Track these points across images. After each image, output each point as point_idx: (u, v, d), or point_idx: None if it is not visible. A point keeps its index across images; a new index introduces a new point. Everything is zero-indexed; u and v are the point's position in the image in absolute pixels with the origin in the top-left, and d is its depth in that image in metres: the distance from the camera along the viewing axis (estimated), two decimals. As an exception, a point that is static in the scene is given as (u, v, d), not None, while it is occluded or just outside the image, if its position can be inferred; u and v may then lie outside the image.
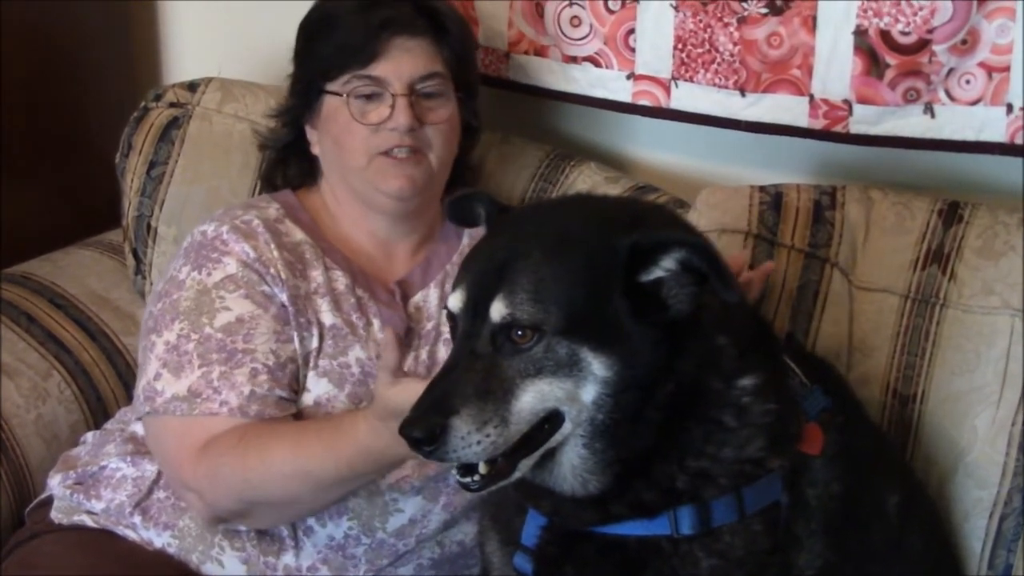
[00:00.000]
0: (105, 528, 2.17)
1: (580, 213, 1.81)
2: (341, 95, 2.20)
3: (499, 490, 1.85)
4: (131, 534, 2.15)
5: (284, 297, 2.15)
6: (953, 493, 2.22)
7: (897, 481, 2.02)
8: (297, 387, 2.14)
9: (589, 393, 1.68)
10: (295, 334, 2.15)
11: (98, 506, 2.18)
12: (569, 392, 1.68)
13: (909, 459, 2.25)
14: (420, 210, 2.29)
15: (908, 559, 1.99)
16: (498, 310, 1.67)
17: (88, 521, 2.18)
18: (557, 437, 1.71)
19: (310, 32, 2.29)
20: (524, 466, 1.72)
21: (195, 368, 2.08)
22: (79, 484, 2.22)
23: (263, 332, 2.12)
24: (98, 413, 2.54)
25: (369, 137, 2.19)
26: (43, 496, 2.29)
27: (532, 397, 1.67)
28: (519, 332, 1.66)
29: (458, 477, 1.71)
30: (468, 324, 1.71)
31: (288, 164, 2.37)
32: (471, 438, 1.64)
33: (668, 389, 1.70)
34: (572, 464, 1.74)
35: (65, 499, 2.21)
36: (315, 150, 2.31)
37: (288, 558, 2.14)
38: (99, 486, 2.20)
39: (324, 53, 2.24)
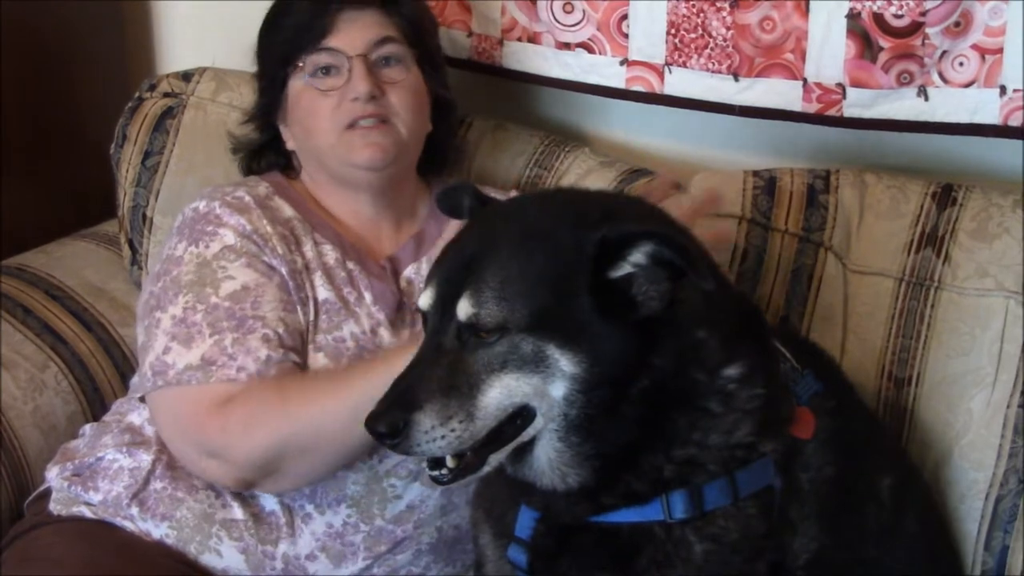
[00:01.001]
0: (103, 519, 2.17)
1: (552, 208, 1.80)
2: (301, 69, 2.23)
3: (492, 484, 1.86)
4: (129, 525, 2.16)
5: (284, 270, 2.17)
6: (949, 475, 2.22)
7: (890, 463, 2.02)
8: (306, 359, 2.14)
9: (558, 389, 1.67)
10: (298, 307, 2.16)
11: (96, 498, 2.18)
12: (537, 388, 1.67)
13: (905, 442, 2.25)
14: (396, 182, 2.30)
15: (903, 541, 1.99)
16: (463, 308, 1.67)
17: (87, 512, 2.18)
18: (529, 431, 1.71)
19: (266, 27, 2.34)
20: (494, 460, 1.72)
21: (206, 337, 2.08)
22: (77, 476, 2.22)
23: (270, 300, 2.13)
24: (95, 404, 2.54)
25: (333, 113, 2.21)
26: (41, 488, 2.29)
27: (498, 392, 1.67)
28: (484, 328, 1.67)
29: (428, 470, 1.73)
30: (437, 321, 1.72)
31: (263, 159, 2.39)
32: (435, 432, 1.65)
33: (643, 385, 1.69)
34: (549, 458, 1.74)
35: (63, 491, 2.22)
36: (290, 145, 2.33)
37: (286, 546, 2.14)
38: (96, 478, 2.20)
39: (279, 40, 2.27)
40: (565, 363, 1.67)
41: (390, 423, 1.65)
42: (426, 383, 1.67)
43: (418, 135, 2.30)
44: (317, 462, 2.06)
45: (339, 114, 2.20)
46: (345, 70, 2.21)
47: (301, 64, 2.23)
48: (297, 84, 2.25)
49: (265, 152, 2.39)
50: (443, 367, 1.68)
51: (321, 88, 2.21)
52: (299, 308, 2.16)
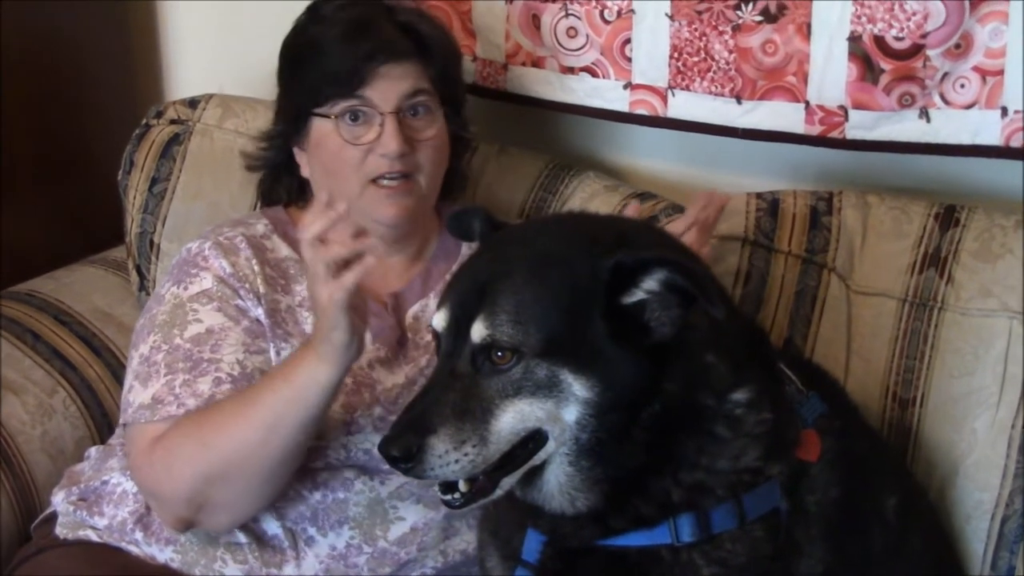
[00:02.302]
0: (109, 544, 2.17)
1: (564, 233, 1.81)
2: (330, 117, 2.20)
3: (499, 506, 1.85)
4: (134, 549, 2.15)
5: (260, 312, 2.17)
6: (954, 496, 2.21)
7: (895, 484, 2.01)
8: None
9: (571, 413, 1.67)
10: (271, 346, 2.15)
11: (101, 522, 2.18)
12: (550, 412, 1.67)
13: (910, 463, 2.25)
14: (412, 230, 2.30)
15: (909, 561, 1.98)
16: (478, 331, 1.68)
17: (92, 536, 2.18)
18: (540, 455, 1.71)
19: (295, 58, 2.30)
20: (506, 484, 1.72)
21: (161, 377, 2.10)
22: (82, 500, 2.22)
23: (231, 343, 2.13)
24: (103, 429, 2.54)
25: (360, 164, 2.19)
26: (48, 511, 2.29)
27: (512, 417, 1.67)
28: (499, 353, 1.67)
29: (440, 494, 1.72)
30: (450, 344, 1.72)
31: (281, 182, 2.38)
32: (448, 457, 1.64)
33: (654, 409, 1.69)
34: (559, 482, 1.74)
35: (69, 515, 2.22)
36: (304, 172, 2.31)
37: (290, 569, 2.13)
38: (102, 502, 2.20)
39: (311, 80, 2.24)
40: (578, 388, 1.67)
41: (404, 447, 1.65)
42: (440, 407, 1.67)
43: (437, 184, 2.29)
44: (241, 487, 2.04)
45: (366, 167, 2.19)
46: (376, 124, 2.19)
47: (332, 106, 2.21)
48: (325, 125, 2.22)
49: (282, 177, 2.37)
50: (457, 391, 1.68)
51: (351, 140, 2.19)
52: (274, 346, 2.15)
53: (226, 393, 2.07)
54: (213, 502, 2.05)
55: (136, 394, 2.11)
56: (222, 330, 2.14)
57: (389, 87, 2.20)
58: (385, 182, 2.20)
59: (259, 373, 2.12)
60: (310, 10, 2.33)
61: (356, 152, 2.19)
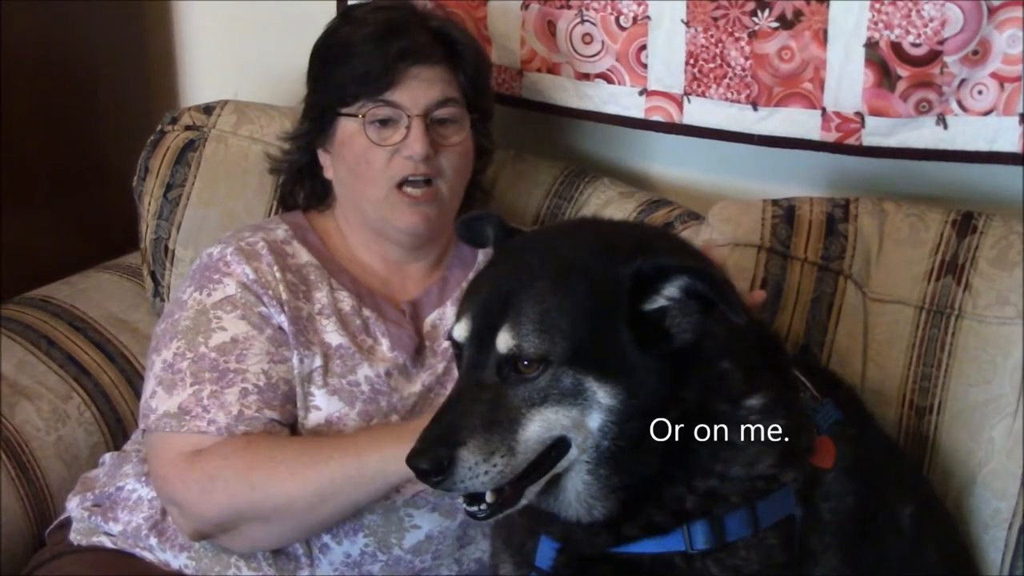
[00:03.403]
0: (123, 550, 2.18)
1: (584, 240, 1.80)
2: (357, 116, 2.21)
3: (511, 514, 1.85)
4: (148, 555, 2.17)
5: (283, 319, 2.17)
6: (972, 505, 2.21)
7: (910, 492, 2.01)
8: (292, 408, 2.14)
9: (595, 421, 1.68)
10: (294, 354, 2.16)
11: (115, 528, 2.19)
12: (575, 420, 1.68)
13: (926, 471, 2.25)
14: (433, 238, 2.30)
15: (924, 570, 1.98)
16: (504, 341, 1.68)
17: (107, 543, 2.19)
18: (563, 463, 1.71)
19: (326, 57, 2.30)
20: (530, 493, 1.73)
21: (187, 386, 2.10)
22: (97, 506, 2.23)
23: (256, 353, 2.14)
24: (117, 435, 2.55)
25: (385, 166, 2.20)
26: (62, 517, 2.30)
27: (539, 426, 1.67)
28: (525, 363, 1.67)
29: (465, 506, 1.72)
30: (474, 354, 1.72)
31: (302, 186, 2.38)
32: (478, 468, 1.65)
33: (672, 416, 1.69)
34: (577, 490, 1.74)
35: (83, 521, 2.23)
36: (328, 174, 2.32)
37: (304, 576, 2.15)
38: (116, 508, 2.21)
39: (341, 80, 2.25)
40: (603, 395, 1.67)
41: (434, 461, 1.65)
42: (468, 419, 1.67)
43: (459, 193, 2.30)
44: (275, 532, 2.07)
45: (391, 169, 2.20)
46: (403, 127, 2.20)
47: (360, 108, 2.22)
48: (351, 125, 2.23)
49: (303, 182, 2.37)
50: (483, 402, 1.68)
51: (378, 141, 2.20)
52: (297, 355, 2.16)
53: (253, 406, 2.09)
54: (241, 532, 2.07)
55: (160, 400, 2.11)
56: (246, 339, 2.14)
57: (418, 90, 2.21)
58: (409, 189, 2.20)
59: (284, 383, 2.14)
60: (343, 13, 2.36)
61: (382, 153, 2.20)
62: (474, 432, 1.65)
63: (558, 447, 1.70)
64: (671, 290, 1.68)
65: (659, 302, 1.68)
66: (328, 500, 2.01)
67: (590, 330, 1.68)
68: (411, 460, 1.67)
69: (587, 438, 1.69)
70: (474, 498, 1.71)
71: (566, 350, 1.66)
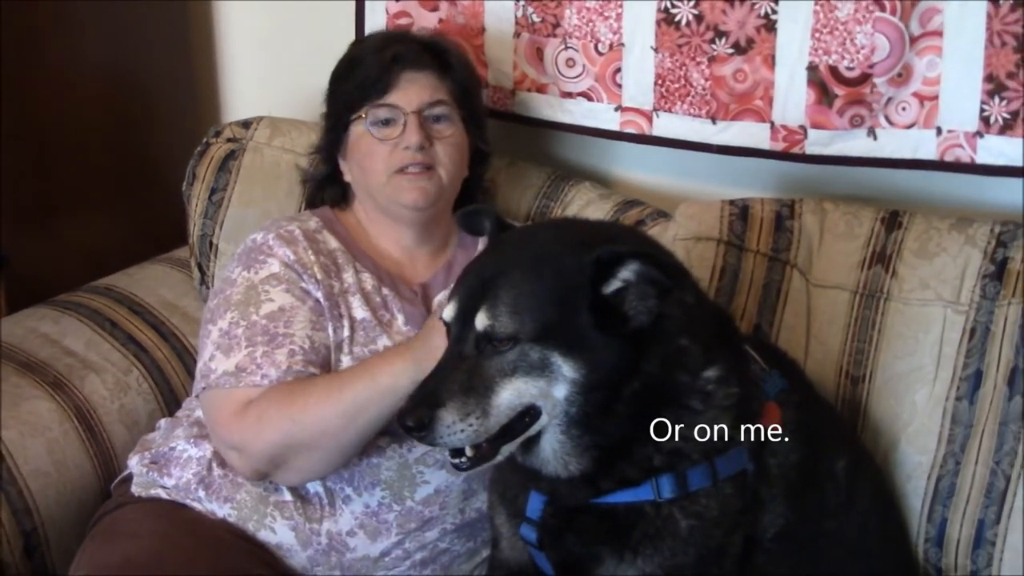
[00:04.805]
0: (176, 500, 2.18)
1: (559, 235, 1.82)
2: (362, 118, 2.24)
3: (505, 471, 1.87)
4: (198, 506, 2.17)
5: (319, 294, 2.18)
6: (897, 459, 2.23)
7: (845, 449, 2.03)
8: (328, 370, 2.15)
9: (560, 391, 1.69)
10: (329, 325, 2.17)
11: (169, 482, 2.20)
12: (542, 390, 1.69)
13: (859, 431, 2.25)
14: (435, 220, 2.31)
15: (857, 514, 2.00)
16: (481, 320, 1.69)
17: (162, 494, 2.20)
18: (535, 427, 1.73)
19: (337, 74, 2.34)
20: (506, 450, 1.74)
21: (242, 349, 2.11)
22: (154, 463, 2.24)
23: (301, 320, 2.15)
24: (170, 403, 2.56)
25: (387, 157, 2.22)
26: (125, 473, 2.31)
27: (510, 394, 1.69)
28: (498, 339, 1.68)
29: (449, 458, 1.75)
30: (458, 331, 1.73)
31: (325, 191, 2.40)
32: (455, 427, 1.67)
33: (635, 387, 1.71)
34: (553, 448, 1.75)
35: (142, 476, 2.23)
36: (347, 177, 2.34)
37: (329, 524, 2.15)
38: (170, 465, 2.22)
39: (348, 89, 2.29)
40: (567, 369, 1.68)
41: (417, 418, 1.67)
42: (448, 385, 1.69)
43: (457, 181, 2.31)
44: (318, 457, 2.07)
45: (392, 159, 2.22)
46: (401, 123, 2.22)
47: (364, 113, 2.24)
48: (358, 129, 2.26)
49: (327, 185, 2.39)
50: (463, 371, 1.70)
51: (379, 137, 2.23)
52: (331, 325, 2.17)
53: (300, 363, 2.09)
54: (290, 464, 2.08)
55: (219, 363, 2.11)
56: (292, 308, 2.15)
57: (412, 91, 2.24)
58: (409, 168, 2.22)
59: (324, 348, 2.14)
60: (355, 40, 2.44)
61: (384, 147, 2.22)
62: (453, 396, 1.67)
63: (530, 413, 1.72)
64: (626, 273, 1.68)
65: (615, 284, 1.69)
66: (356, 417, 2.01)
67: (556, 312, 1.68)
68: (399, 418, 1.70)
69: (555, 406, 1.71)
70: (457, 452, 1.73)
71: (534, 329, 1.68)
